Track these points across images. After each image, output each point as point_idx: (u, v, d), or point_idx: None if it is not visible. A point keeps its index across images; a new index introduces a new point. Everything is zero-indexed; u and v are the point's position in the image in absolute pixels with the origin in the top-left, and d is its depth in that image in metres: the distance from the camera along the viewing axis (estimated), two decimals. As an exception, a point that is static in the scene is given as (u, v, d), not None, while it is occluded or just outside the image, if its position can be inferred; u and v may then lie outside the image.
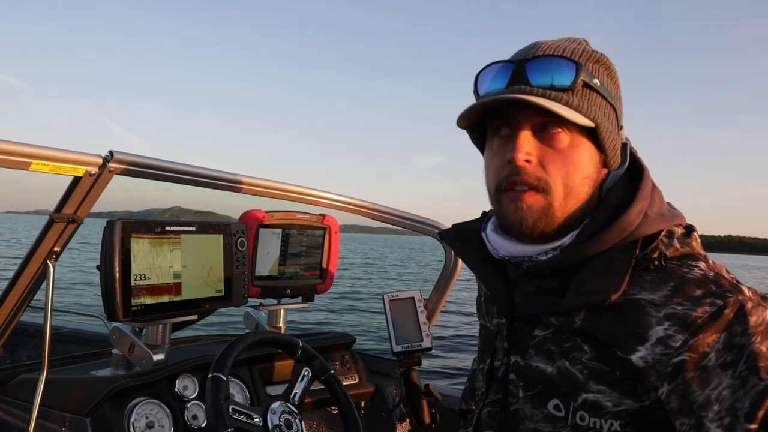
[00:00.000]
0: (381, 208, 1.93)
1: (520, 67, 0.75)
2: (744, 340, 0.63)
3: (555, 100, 0.72)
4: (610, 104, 0.78)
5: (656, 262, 0.70)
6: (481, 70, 0.80)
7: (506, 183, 0.76)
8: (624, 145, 0.80)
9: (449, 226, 0.97)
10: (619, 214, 0.73)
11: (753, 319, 0.64)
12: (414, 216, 2.02)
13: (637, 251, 0.72)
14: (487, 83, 0.78)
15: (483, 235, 0.87)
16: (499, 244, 0.81)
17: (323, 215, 1.73)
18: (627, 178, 0.80)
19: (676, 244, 0.73)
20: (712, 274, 0.69)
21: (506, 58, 0.82)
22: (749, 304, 0.65)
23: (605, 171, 0.79)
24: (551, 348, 0.76)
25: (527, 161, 0.74)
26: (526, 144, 0.74)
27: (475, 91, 0.81)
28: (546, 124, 0.74)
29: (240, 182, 1.51)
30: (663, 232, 0.74)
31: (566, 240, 0.76)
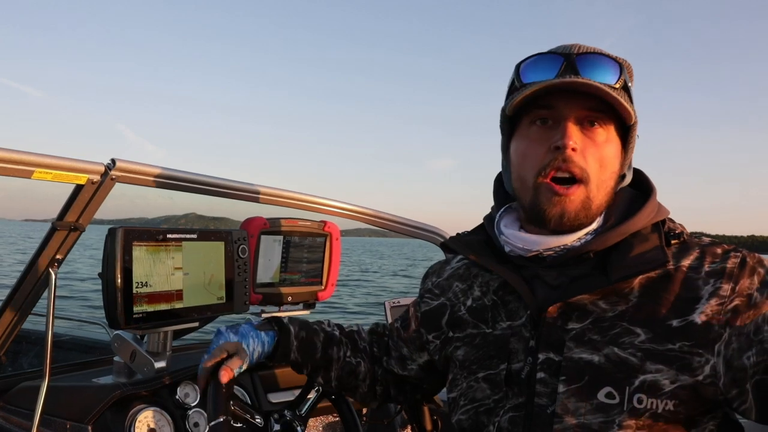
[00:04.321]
0: (382, 214, 1.94)
1: (570, 60, 0.79)
2: None
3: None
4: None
5: (683, 237, 0.80)
6: (525, 60, 0.83)
7: (549, 169, 0.79)
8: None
9: (450, 231, 1.00)
10: (637, 205, 0.82)
11: (766, 263, 0.77)
12: (414, 222, 2.03)
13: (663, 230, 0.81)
14: (535, 73, 0.81)
15: (501, 237, 0.88)
16: (531, 241, 0.83)
17: (324, 222, 1.73)
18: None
19: (678, 224, 0.84)
20: (713, 240, 0.82)
21: (518, 60, 0.85)
22: (751, 254, 0.78)
23: (620, 170, 0.85)
24: (594, 338, 0.77)
25: (573, 150, 0.78)
26: (574, 134, 0.78)
27: (517, 79, 0.83)
28: (588, 118, 0.79)
29: (241, 190, 1.51)
30: (667, 217, 0.84)
31: (594, 226, 0.81)
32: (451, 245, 0.96)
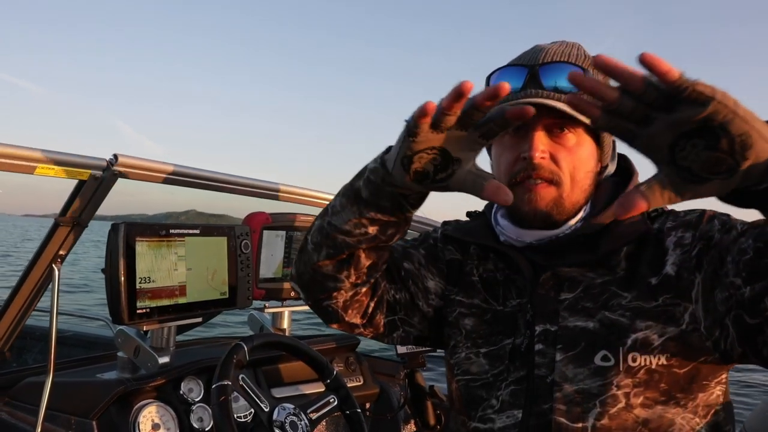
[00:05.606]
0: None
1: (534, 71, 0.83)
2: (729, 219, 0.79)
3: (564, 101, 0.80)
4: None
5: (661, 209, 0.84)
6: (493, 73, 0.87)
7: (521, 176, 0.83)
8: (613, 142, 0.91)
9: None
10: (621, 190, 0.87)
11: (727, 213, 0.80)
12: (417, 216, 2.03)
13: None
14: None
15: (497, 227, 0.91)
16: (522, 233, 0.87)
17: (327, 217, 1.73)
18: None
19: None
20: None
21: (515, 58, 0.89)
22: (711, 209, 0.82)
23: (599, 165, 0.89)
24: (586, 305, 0.81)
25: (542, 158, 0.82)
26: (541, 143, 0.82)
27: None
28: (557, 125, 0.83)
29: (243, 185, 1.51)
30: None
31: (580, 216, 0.85)
32: (452, 234, 0.97)
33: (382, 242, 0.85)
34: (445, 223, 1.04)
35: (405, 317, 0.96)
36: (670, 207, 0.85)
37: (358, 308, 0.92)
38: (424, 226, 2.02)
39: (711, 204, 0.72)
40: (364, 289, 0.91)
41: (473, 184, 0.73)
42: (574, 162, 0.83)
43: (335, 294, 0.90)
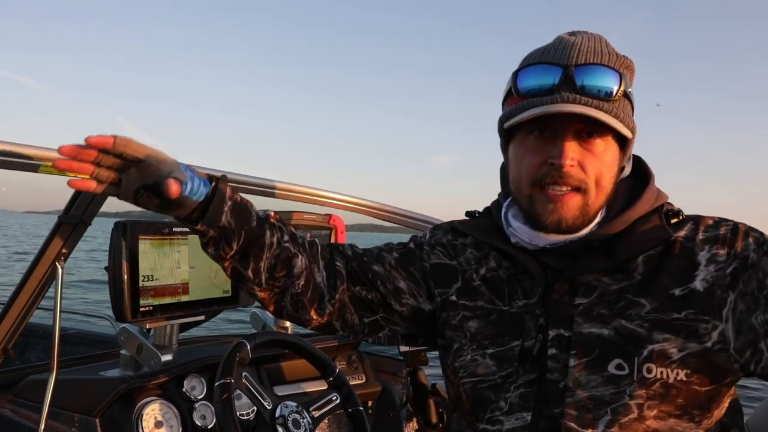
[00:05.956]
0: (386, 207, 1.94)
1: (569, 72, 0.79)
2: (764, 237, 0.78)
3: (603, 110, 0.77)
4: (633, 110, 0.84)
5: (680, 215, 0.83)
6: (522, 68, 0.83)
7: (545, 181, 0.81)
8: None
9: None
10: (636, 193, 0.85)
11: (758, 229, 0.80)
12: (421, 216, 2.03)
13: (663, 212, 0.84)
14: (531, 82, 0.82)
15: (509, 229, 0.89)
16: (536, 236, 0.85)
17: (329, 215, 1.73)
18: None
19: (676, 207, 0.87)
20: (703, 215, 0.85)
21: (520, 55, 0.86)
22: (742, 222, 0.82)
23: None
24: (602, 311, 0.80)
25: (571, 165, 0.79)
26: (572, 150, 0.79)
27: (514, 89, 0.84)
28: (587, 131, 0.80)
29: (245, 183, 1.51)
30: (666, 202, 0.87)
31: (596, 220, 0.84)
32: (460, 228, 0.97)
33: (228, 255, 0.87)
34: (435, 228, 1.03)
35: (386, 316, 0.97)
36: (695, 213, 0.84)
37: (302, 308, 0.93)
38: (428, 225, 2.02)
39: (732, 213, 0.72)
40: (297, 290, 0.91)
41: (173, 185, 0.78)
42: (601, 168, 0.80)
43: (281, 303, 0.93)
